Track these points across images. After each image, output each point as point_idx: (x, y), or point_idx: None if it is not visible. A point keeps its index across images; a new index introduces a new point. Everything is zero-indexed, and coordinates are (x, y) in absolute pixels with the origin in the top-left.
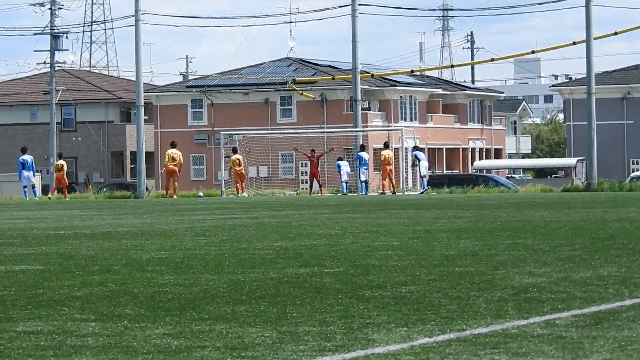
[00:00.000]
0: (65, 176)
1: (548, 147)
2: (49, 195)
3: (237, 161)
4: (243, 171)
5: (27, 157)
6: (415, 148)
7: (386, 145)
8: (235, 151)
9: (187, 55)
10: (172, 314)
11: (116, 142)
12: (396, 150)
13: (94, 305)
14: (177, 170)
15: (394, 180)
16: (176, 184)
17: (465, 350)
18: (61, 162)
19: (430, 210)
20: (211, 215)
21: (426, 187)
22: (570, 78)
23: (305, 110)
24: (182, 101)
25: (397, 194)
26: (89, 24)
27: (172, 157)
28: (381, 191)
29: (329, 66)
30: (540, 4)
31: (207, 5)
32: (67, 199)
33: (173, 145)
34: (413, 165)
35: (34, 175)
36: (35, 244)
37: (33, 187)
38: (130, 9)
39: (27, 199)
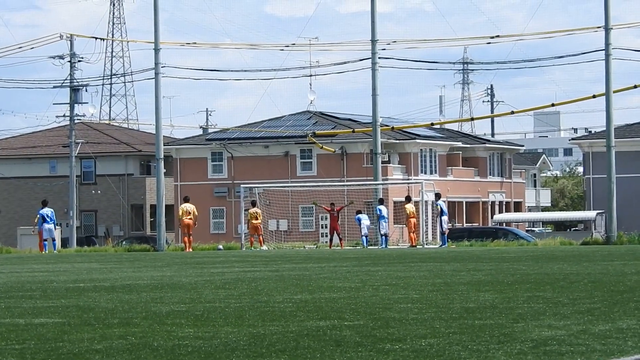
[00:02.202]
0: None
1: (569, 199)
2: (48, 251)
3: (255, 214)
4: (260, 225)
5: (47, 210)
6: (438, 196)
7: (408, 199)
8: (254, 204)
9: (207, 108)
10: None
11: (136, 195)
12: (416, 203)
13: (113, 358)
14: (192, 223)
15: (414, 234)
16: (191, 237)
17: None
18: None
19: (450, 263)
20: (231, 268)
21: (445, 243)
22: (590, 131)
23: (325, 163)
24: (202, 154)
25: (417, 247)
26: (109, 77)
27: (187, 211)
28: (411, 244)
29: (349, 119)
30: (560, 57)
31: (227, 59)
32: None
33: (186, 200)
34: (437, 215)
35: (54, 228)
36: (55, 296)
37: (53, 240)
38: (150, 62)
39: (47, 251)
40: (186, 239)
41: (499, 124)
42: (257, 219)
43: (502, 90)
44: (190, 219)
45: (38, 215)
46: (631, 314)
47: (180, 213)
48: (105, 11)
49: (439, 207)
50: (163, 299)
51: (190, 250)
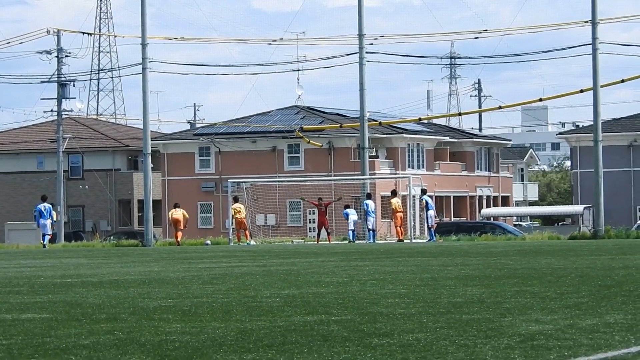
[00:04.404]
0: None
1: (557, 194)
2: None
3: (238, 209)
4: (243, 219)
5: (42, 206)
6: (423, 192)
7: (394, 194)
8: (236, 200)
9: (194, 103)
10: None
11: (123, 190)
12: (404, 197)
13: (101, 353)
14: (180, 219)
15: (401, 228)
16: (180, 232)
17: None
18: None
19: (438, 258)
20: (219, 263)
21: (433, 238)
22: (577, 126)
23: (312, 158)
24: (189, 149)
25: (404, 241)
26: (96, 72)
27: (176, 212)
28: (398, 238)
29: (337, 114)
30: (547, 51)
31: (215, 53)
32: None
33: (176, 206)
34: (422, 210)
35: (52, 224)
36: (42, 292)
37: (45, 235)
38: (138, 57)
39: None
40: (176, 233)
41: (486, 119)
42: (239, 213)
43: (490, 85)
44: (178, 215)
45: (36, 210)
46: (618, 309)
47: (170, 214)
48: (92, 6)
49: (424, 201)
50: (150, 294)
51: (179, 245)
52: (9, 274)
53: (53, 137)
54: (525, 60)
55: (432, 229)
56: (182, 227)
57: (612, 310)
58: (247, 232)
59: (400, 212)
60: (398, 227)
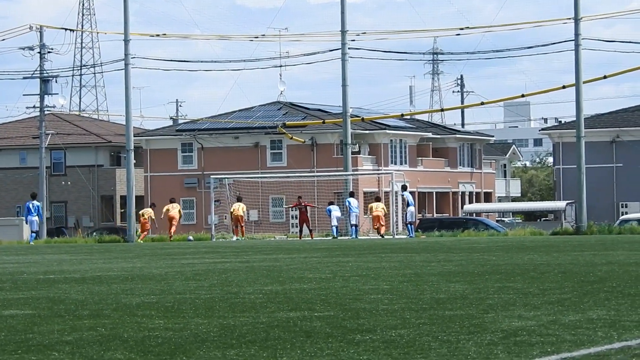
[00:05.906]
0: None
1: (539, 190)
2: (140, 240)
3: (235, 208)
4: (240, 217)
5: (31, 203)
6: (404, 188)
7: (377, 199)
8: (239, 200)
9: (177, 99)
10: (162, 358)
11: (106, 186)
12: (386, 193)
13: (84, 350)
14: (175, 217)
15: (383, 225)
16: (174, 228)
17: None
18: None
19: (420, 254)
20: (201, 259)
21: (412, 235)
22: (560, 121)
23: (295, 154)
24: (172, 145)
25: (385, 237)
26: (79, 68)
27: (173, 207)
28: (378, 232)
29: (319, 110)
30: (530, 47)
31: (197, 49)
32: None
33: (172, 201)
34: (403, 206)
35: (40, 221)
36: (25, 288)
37: (33, 232)
38: (120, 53)
39: (32, 243)
40: (169, 229)
41: (469, 115)
42: (236, 211)
43: (472, 81)
44: (173, 213)
45: (25, 208)
46: (601, 305)
47: (164, 209)
48: (75, 2)
49: (404, 197)
50: (133, 291)
51: (170, 239)
52: None
53: (35, 133)
54: (508, 57)
55: (412, 226)
56: (175, 224)
57: (595, 306)
58: (236, 228)
59: (377, 211)
60: (375, 227)
